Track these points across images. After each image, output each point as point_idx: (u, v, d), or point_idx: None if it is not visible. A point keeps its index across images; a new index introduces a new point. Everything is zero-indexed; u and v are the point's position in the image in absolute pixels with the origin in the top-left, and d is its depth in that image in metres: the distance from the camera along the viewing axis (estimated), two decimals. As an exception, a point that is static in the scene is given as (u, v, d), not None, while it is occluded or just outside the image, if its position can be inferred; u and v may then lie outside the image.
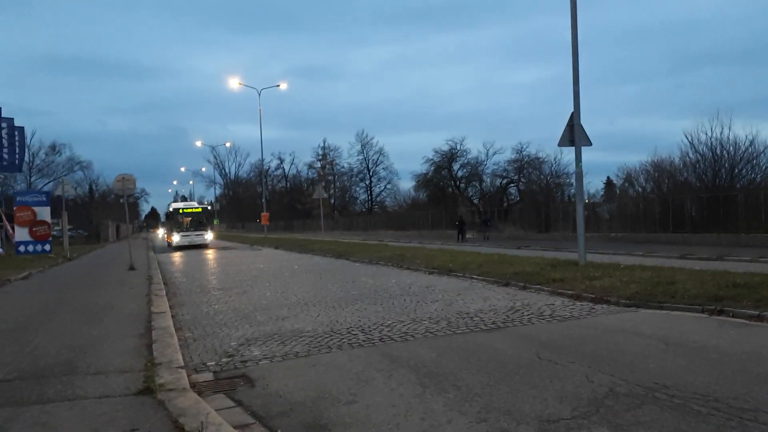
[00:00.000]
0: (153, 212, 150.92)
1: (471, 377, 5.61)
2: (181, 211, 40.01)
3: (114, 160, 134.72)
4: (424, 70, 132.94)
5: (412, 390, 5.34)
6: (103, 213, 71.47)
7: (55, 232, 38.97)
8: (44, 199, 30.09)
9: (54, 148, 65.71)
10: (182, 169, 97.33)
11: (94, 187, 78.61)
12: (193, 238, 37.89)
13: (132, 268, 19.40)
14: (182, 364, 6.36)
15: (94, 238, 61.54)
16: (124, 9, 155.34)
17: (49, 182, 63.83)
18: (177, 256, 29.95)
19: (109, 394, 5.28)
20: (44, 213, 29.25)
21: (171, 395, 5.14)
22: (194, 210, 40.91)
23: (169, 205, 49.46)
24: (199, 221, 39.54)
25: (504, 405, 4.83)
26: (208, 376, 6.16)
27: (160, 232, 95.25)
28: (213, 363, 6.68)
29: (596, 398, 4.87)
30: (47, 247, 29.02)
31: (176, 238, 37.58)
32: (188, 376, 5.92)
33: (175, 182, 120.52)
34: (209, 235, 39.23)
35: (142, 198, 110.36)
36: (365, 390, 5.42)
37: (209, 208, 47.68)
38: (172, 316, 9.75)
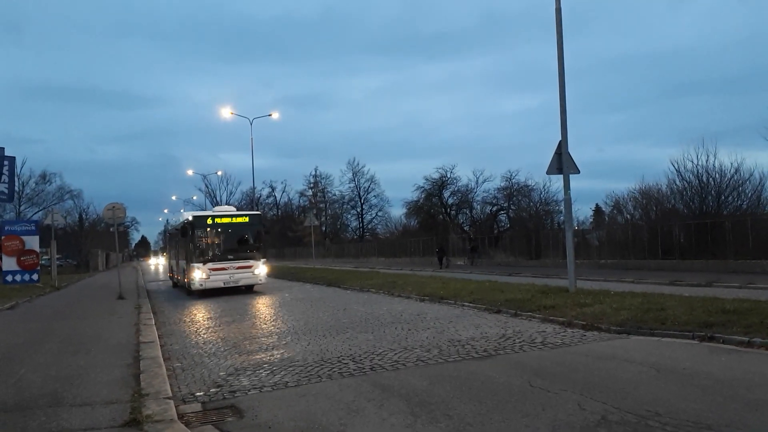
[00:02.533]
0: (143, 241, 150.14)
1: (463, 406, 5.57)
2: (211, 221, 21.22)
3: (104, 189, 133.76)
4: (415, 99, 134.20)
5: (404, 420, 5.28)
6: (93, 242, 70.89)
7: (43, 261, 38.60)
8: (33, 228, 29.87)
9: (44, 177, 65.37)
10: (173, 198, 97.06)
11: (84, 215, 78.07)
12: (235, 273, 20.61)
13: (121, 297, 19.21)
14: (170, 394, 6.27)
15: (84, 267, 60.98)
16: (115, 38, 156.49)
17: (38, 211, 63.33)
18: (162, 281, 29.60)
19: (94, 427, 5.18)
20: (33, 242, 29.00)
21: (158, 427, 5.06)
22: (237, 219, 21.79)
23: (181, 215, 29.29)
24: (244, 240, 21.76)
25: (496, 434, 4.78)
26: (196, 406, 6.07)
27: (153, 261, 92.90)
28: (201, 393, 6.58)
29: (588, 426, 4.84)
30: (35, 276, 28.70)
31: (199, 274, 20.04)
32: (176, 406, 5.84)
33: (165, 210, 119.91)
34: (261, 269, 21.26)
35: (133, 227, 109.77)
36: (356, 420, 5.36)
37: (259, 214, 25.05)
38: (160, 345, 9.63)
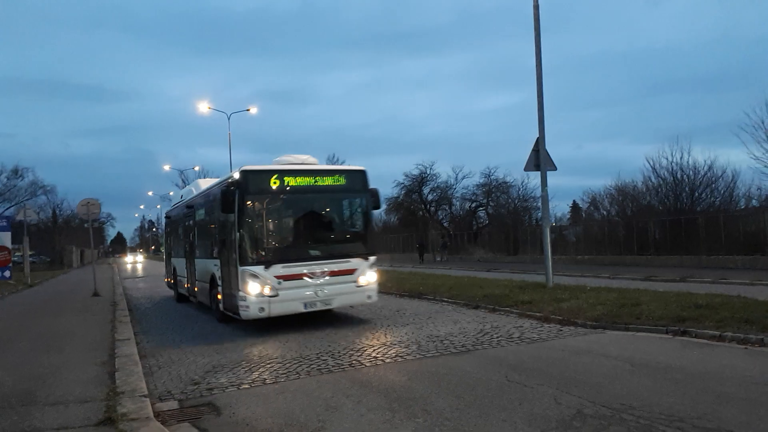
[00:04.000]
0: (119, 237, 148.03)
1: (441, 401, 5.59)
2: (279, 182, 10.70)
3: (79, 184, 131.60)
4: (394, 95, 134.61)
5: (382, 416, 5.29)
6: (67, 238, 69.65)
7: (16, 258, 37.80)
8: (5, 224, 29.22)
9: (16, 172, 63.89)
10: (150, 193, 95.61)
11: (57, 211, 76.60)
12: (324, 285, 10.68)
13: (96, 294, 18.91)
14: (146, 392, 6.19)
15: (58, 264, 59.89)
16: (87, 30, 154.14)
17: (10, 207, 61.95)
18: (141, 277, 29.17)
19: (68, 426, 5.10)
20: (4, 238, 28.39)
21: (134, 425, 4.99)
22: (326, 180, 11.33)
23: (193, 186, 17.02)
24: (339, 220, 12.17)
25: (473, 429, 4.82)
26: (173, 404, 6.01)
27: (129, 258, 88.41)
28: (178, 391, 6.52)
29: (564, 420, 4.90)
30: (7, 273, 28.11)
31: (257, 287, 10.12)
32: (152, 404, 5.77)
33: (141, 206, 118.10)
34: (369, 275, 11.25)
35: (108, 223, 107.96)
36: (334, 416, 5.35)
37: (364, 172, 11.76)
38: (136, 342, 9.51)
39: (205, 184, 14.99)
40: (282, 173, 10.64)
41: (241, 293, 9.98)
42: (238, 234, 10.15)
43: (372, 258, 11.23)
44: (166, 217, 20.99)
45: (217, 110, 40.86)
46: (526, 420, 4.94)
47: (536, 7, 14.58)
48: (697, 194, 29.93)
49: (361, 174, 11.56)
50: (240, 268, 10.02)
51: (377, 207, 11.82)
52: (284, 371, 7.24)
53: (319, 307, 10.56)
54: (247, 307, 9.91)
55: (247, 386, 6.61)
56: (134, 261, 78.81)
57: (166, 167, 69.69)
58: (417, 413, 5.28)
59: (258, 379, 6.92)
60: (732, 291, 11.96)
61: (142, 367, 7.58)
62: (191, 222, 15.04)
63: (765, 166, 27.12)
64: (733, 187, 29.55)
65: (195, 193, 15.31)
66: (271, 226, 11.09)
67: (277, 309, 10.11)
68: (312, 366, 7.43)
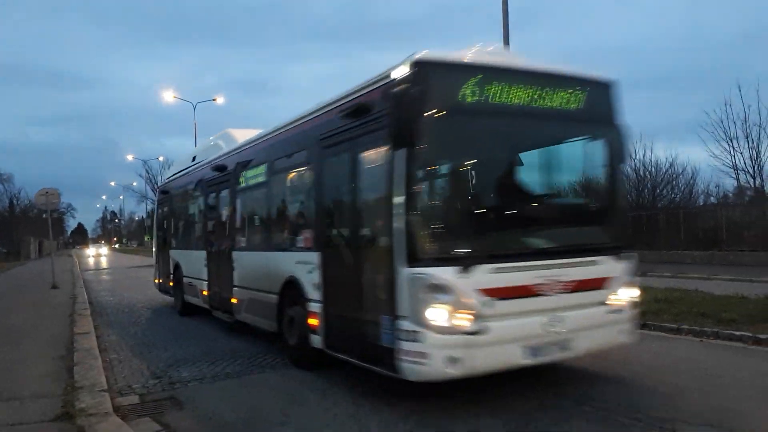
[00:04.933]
0: (80, 228, 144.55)
1: (410, 397, 5.60)
2: (476, 92, 5.10)
3: (37, 173, 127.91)
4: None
5: (346, 409, 5.29)
6: (25, 229, 67.69)
7: (-30, 249, 36.60)
8: (-42, 213, 28.24)
9: (-29, 160, 61.87)
10: (112, 184, 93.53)
11: (15, 201, 74.37)
12: (565, 309, 5.23)
13: (55, 287, 18.42)
14: (105, 387, 6.05)
15: (14, 255, 58.17)
16: (46, 14, 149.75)
17: (-36, 196, 60.05)
18: (105, 271, 28.48)
19: (23, 421, 4.96)
20: (-42, 228, 27.44)
21: (92, 420, 4.88)
22: (558, 91, 5.53)
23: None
24: (576, 178, 6.52)
25: (436, 420, 4.85)
26: (133, 399, 5.90)
27: (92, 251, 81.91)
28: (139, 385, 6.40)
29: (527, 411, 4.97)
30: (-39, 264, 27.19)
31: (441, 315, 4.71)
32: (112, 399, 5.64)
33: (104, 197, 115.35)
34: (628, 287, 5.84)
35: (68, 214, 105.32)
36: (299, 410, 5.33)
37: (612, 87, 5.97)
38: (96, 337, 9.30)
39: (243, 135, 9.85)
40: (492, 74, 5.27)
41: (406, 325, 4.82)
42: (403, 198, 4.89)
43: (628, 256, 5.98)
44: (161, 193, 14.91)
45: (182, 99, 40.03)
46: (490, 412, 4.99)
47: (505, 2, 14.69)
48: (658, 191, 30.69)
49: (608, 91, 6.00)
50: (405, 272, 4.84)
51: (624, 159, 6.27)
52: (249, 364, 7.18)
53: (553, 355, 5.32)
54: (423, 357, 4.72)
55: (209, 380, 6.53)
56: (97, 254, 73.01)
57: (130, 157, 68.27)
58: (381, 407, 5.29)
59: (222, 372, 6.84)
60: (690, 285, 12.30)
61: (102, 361, 7.41)
62: (228, 193, 9.47)
63: (723, 164, 28.03)
64: (693, 184, 30.46)
65: (228, 148, 9.92)
66: (463, 187, 5.38)
67: (483, 360, 4.88)
68: (277, 359, 7.38)
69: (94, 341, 8.74)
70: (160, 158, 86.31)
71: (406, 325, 4.81)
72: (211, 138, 11.75)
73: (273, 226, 8.13)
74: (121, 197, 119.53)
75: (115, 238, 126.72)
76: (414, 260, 4.79)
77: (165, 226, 14.17)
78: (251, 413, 5.28)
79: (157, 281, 14.53)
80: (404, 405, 5.27)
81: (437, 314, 4.70)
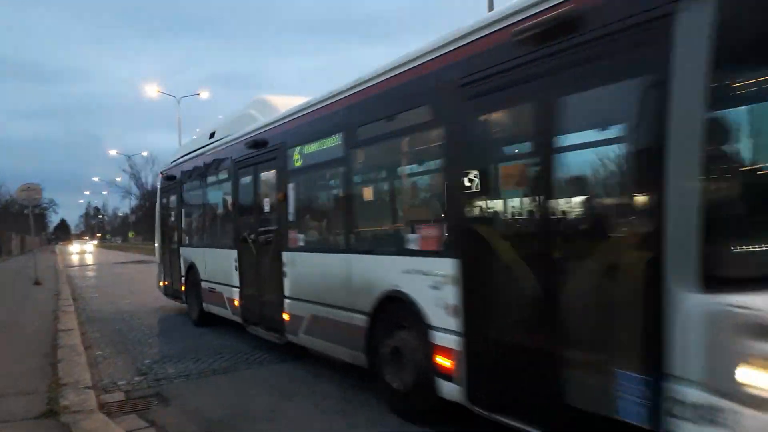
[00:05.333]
0: (63, 224, 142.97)
1: (394, 390, 5.60)
2: None
3: (18, 168, 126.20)
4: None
5: (335, 405, 5.27)
6: (7, 225, 66.76)
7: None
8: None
9: (-50, 155, 60.85)
10: (95, 179, 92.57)
11: (-5, 196, 73.41)
12: None
13: (37, 283, 18.19)
14: (90, 384, 5.98)
15: (-4, 251, 57.34)
16: (27, 5, 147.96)
17: (-57, 191, 59.07)
18: (87, 266, 28.18)
19: (7, 419, 4.88)
20: (-63, 224, 26.99)
21: (77, 417, 4.82)
22: None
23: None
24: None
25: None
26: (118, 396, 5.83)
27: (76, 247, 75.74)
28: (124, 382, 6.33)
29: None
30: (-60, 260, 26.76)
31: None
32: (97, 396, 5.58)
33: (87, 192, 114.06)
34: None
35: (51, 209, 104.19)
36: (287, 406, 5.31)
37: None
38: (81, 333, 9.19)
39: (284, 102, 7.84)
40: None
41: (689, 394, 2.74)
42: (694, 161, 2.70)
43: None
44: (165, 180, 12.11)
45: (166, 94, 39.73)
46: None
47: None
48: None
49: None
50: (695, 301, 2.70)
51: None
52: (236, 360, 7.14)
53: None
54: None
55: (196, 376, 6.48)
56: (82, 251, 65.44)
57: (113, 152, 67.58)
58: (372, 402, 5.28)
59: (208, 368, 6.79)
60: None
61: (87, 358, 7.33)
62: (273, 174, 7.37)
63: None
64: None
65: (267, 118, 7.72)
66: None
67: None
68: (265, 356, 7.34)
69: (79, 338, 8.64)
70: (144, 153, 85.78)
71: (689, 394, 2.72)
72: (239, 109, 9.44)
73: (355, 218, 5.87)
74: (105, 192, 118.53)
75: (99, 234, 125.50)
76: (716, 281, 2.64)
77: (173, 218, 11.81)
78: (238, 409, 5.25)
79: (162, 284, 12.23)
80: (393, 400, 5.27)
81: (761, 378, 2.55)
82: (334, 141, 5.99)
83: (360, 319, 5.34)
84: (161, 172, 12.65)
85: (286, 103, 7.62)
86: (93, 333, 9.61)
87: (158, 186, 12.80)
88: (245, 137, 8.04)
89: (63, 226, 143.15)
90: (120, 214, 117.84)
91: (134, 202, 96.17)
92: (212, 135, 9.83)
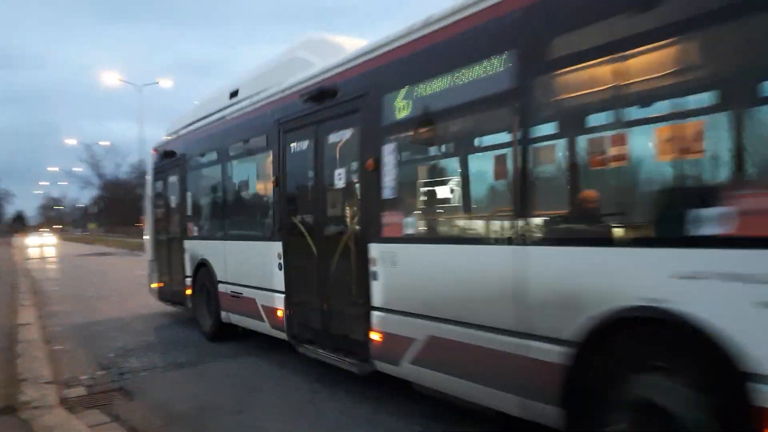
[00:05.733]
0: (19, 216, 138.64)
1: (364, 384, 5.61)
2: None
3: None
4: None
5: (303, 396, 5.27)
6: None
7: None
8: None
9: None
10: (53, 169, 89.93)
11: (-52, 186, 70.66)
12: None
13: (-7, 276, 17.62)
14: (51, 379, 5.84)
15: (-52, 243, 55.32)
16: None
17: None
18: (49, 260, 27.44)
19: (-38, 416, 4.73)
20: None
21: (37, 413, 4.70)
22: None
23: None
24: None
25: (392, 408, 4.88)
26: (80, 390, 5.71)
27: (33, 239, 68.85)
28: (86, 377, 6.20)
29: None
30: None
31: None
32: (58, 391, 5.46)
33: (44, 183, 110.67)
34: None
35: (4, 200, 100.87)
36: (255, 398, 5.27)
37: None
38: (41, 327, 8.95)
39: (351, 42, 6.00)
40: None
41: None
42: None
43: None
44: (163, 157, 9.56)
45: (127, 82, 38.76)
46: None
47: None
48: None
49: None
50: None
51: None
52: (203, 353, 7.06)
53: None
54: None
55: (161, 369, 6.39)
56: (41, 243, 55.94)
57: (71, 141, 65.70)
58: (339, 394, 5.29)
59: (174, 362, 6.70)
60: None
61: (48, 352, 7.15)
62: (374, 129, 4.89)
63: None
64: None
65: (335, 60, 5.56)
66: None
67: None
68: (232, 347, 7.27)
69: (38, 332, 8.41)
70: (105, 143, 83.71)
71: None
72: (278, 57, 7.15)
73: (545, 189, 3.76)
74: (65, 183, 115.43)
75: (58, 226, 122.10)
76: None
77: (173, 205, 9.45)
78: (205, 402, 5.19)
79: (156, 286, 10.07)
80: (361, 391, 5.28)
81: None
82: (492, 67, 3.76)
83: (550, 352, 3.32)
84: (154, 149, 10.15)
85: (353, 43, 5.79)
86: (54, 327, 9.38)
87: (150, 167, 10.36)
88: (299, 87, 5.94)
89: (19, 217, 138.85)
90: (80, 205, 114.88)
91: (95, 192, 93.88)
92: (234, 94, 7.78)
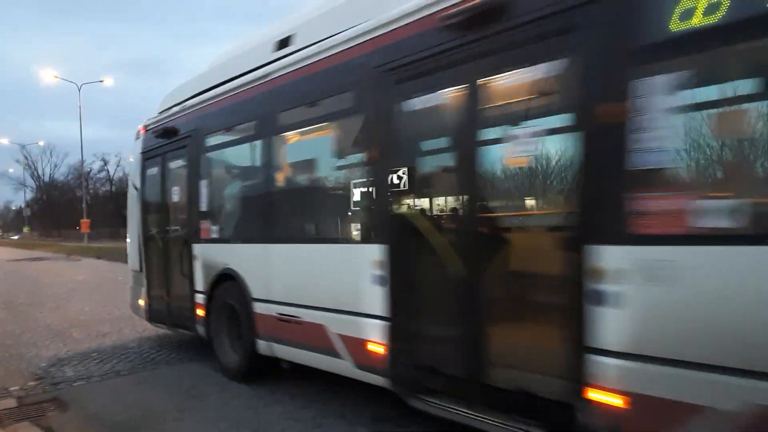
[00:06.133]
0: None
1: (309, 385, 5.59)
2: None
3: None
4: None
5: (246, 402, 5.20)
6: None
7: None
8: None
9: None
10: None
11: None
12: None
13: None
14: (-23, 391, 5.56)
15: None
16: None
17: None
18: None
19: None
20: None
21: (-39, 428, 4.47)
22: None
23: None
24: None
25: (339, 409, 4.88)
26: (10, 402, 5.45)
27: None
28: (17, 388, 5.92)
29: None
30: None
31: None
32: (-15, 404, 5.20)
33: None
34: None
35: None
36: (196, 405, 5.17)
37: None
38: (-34, 337, 8.50)
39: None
40: None
41: None
42: None
43: None
44: (159, 136, 7.27)
45: (65, 80, 37.37)
46: (388, 397, 5.10)
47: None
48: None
49: None
50: None
51: None
52: (142, 361, 6.86)
53: None
54: None
55: (98, 379, 6.18)
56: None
57: (4, 141, 62.85)
58: (283, 399, 5.25)
59: (112, 370, 6.48)
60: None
61: (-26, 363, 6.80)
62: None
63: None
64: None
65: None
66: None
67: None
68: (172, 355, 7.10)
69: (-36, 342, 7.98)
70: (41, 143, 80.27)
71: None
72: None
73: None
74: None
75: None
76: None
77: (175, 198, 7.29)
78: (145, 411, 5.05)
79: (144, 303, 7.83)
80: (305, 396, 5.25)
81: None
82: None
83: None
84: (144, 127, 7.95)
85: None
86: (-19, 336, 8.91)
87: (136, 150, 8.10)
88: (426, 13, 3.88)
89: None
90: (13, 207, 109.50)
91: (30, 194, 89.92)
92: (285, 43, 5.62)
